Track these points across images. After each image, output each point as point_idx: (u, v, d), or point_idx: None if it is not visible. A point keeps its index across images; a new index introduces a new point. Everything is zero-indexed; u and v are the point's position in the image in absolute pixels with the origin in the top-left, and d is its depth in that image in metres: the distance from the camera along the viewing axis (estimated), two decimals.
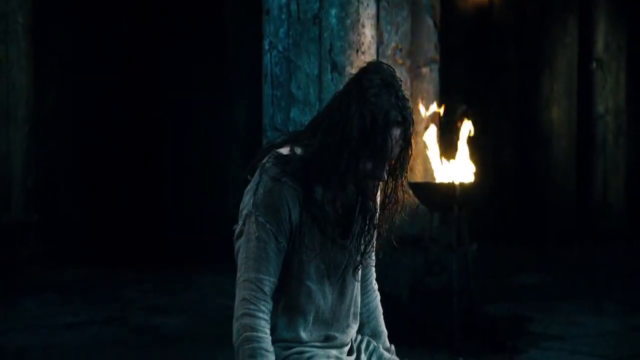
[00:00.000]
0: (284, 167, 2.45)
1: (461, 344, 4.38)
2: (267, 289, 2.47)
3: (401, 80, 2.44)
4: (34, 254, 7.12)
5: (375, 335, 2.82)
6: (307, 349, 2.63)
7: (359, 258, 2.59)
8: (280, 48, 5.11)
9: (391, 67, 2.47)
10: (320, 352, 2.66)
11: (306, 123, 5.10)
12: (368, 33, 4.96)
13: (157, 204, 7.99)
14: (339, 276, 2.57)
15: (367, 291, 2.78)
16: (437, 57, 5.24)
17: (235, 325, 2.47)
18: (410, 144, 2.42)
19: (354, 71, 4.85)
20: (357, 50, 4.92)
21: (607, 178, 11.15)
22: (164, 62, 8.16)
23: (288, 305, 2.58)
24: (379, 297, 2.81)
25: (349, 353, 2.75)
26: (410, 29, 5.18)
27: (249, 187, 2.54)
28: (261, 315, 2.45)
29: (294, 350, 2.62)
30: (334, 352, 2.68)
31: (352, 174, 2.42)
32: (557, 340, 4.79)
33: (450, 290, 4.59)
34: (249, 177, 2.68)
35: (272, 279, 2.48)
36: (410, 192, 2.55)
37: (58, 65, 7.52)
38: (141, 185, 7.90)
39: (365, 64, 2.49)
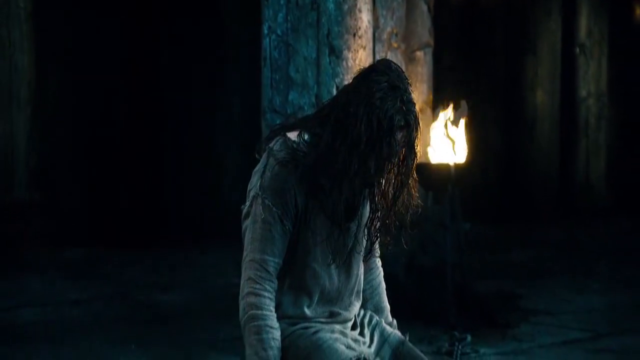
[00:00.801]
0: (292, 152, 2.44)
1: (455, 320, 4.38)
2: (271, 269, 2.47)
3: (409, 83, 2.40)
4: (36, 232, 7.09)
5: (378, 310, 2.82)
6: (312, 324, 2.63)
7: (364, 242, 2.58)
8: (279, 32, 5.08)
9: (399, 67, 2.43)
10: (325, 327, 2.66)
11: (304, 105, 5.11)
12: (364, 18, 4.93)
13: (155, 185, 7.96)
14: (345, 258, 2.57)
15: (370, 268, 2.78)
16: (431, 41, 5.23)
17: (241, 303, 2.47)
18: (413, 147, 2.40)
19: (351, 55, 4.91)
20: (354, 35, 4.89)
21: (589, 159, 11.19)
22: (164, 46, 8.11)
23: (294, 284, 2.57)
24: (382, 274, 2.81)
25: (353, 328, 2.75)
26: (405, 14, 5.16)
27: (257, 168, 2.53)
28: (266, 294, 2.46)
29: (299, 325, 2.62)
30: (337, 327, 2.69)
31: (361, 176, 2.40)
32: (546, 315, 4.81)
33: (444, 267, 4.59)
34: (257, 156, 2.66)
35: (276, 260, 2.48)
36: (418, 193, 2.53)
37: (59, 48, 7.46)
38: (140, 164, 7.86)
39: (375, 62, 2.49)
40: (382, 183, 2.47)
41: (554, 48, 11.24)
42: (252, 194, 2.52)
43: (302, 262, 2.55)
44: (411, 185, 2.48)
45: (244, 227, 2.53)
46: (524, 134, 10.89)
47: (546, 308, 4.96)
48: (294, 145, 2.44)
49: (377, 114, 2.33)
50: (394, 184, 2.46)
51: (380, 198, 2.48)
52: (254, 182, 2.52)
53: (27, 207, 7.10)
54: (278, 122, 5.10)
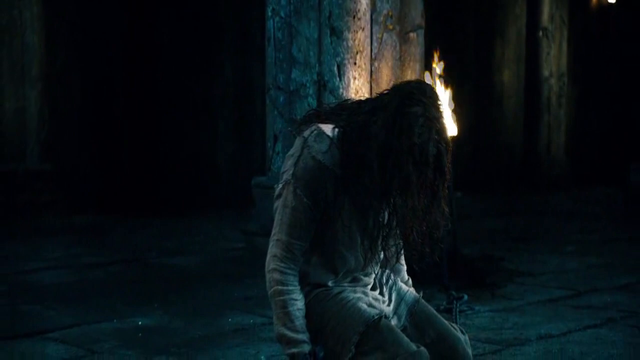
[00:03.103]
0: (326, 148, 2.36)
1: (448, 281, 4.38)
2: (296, 251, 2.44)
3: (440, 104, 2.28)
4: (48, 200, 7.01)
5: (395, 271, 2.81)
6: (336, 287, 2.62)
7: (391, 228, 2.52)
8: (282, 14, 5.01)
9: (432, 88, 2.33)
10: (348, 288, 2.64)
11: (306, 83, 5.04)
12: (363, 1, 4.86)
13: (157, 156, 7.89)
14: (371, 241, 2.54)
15: None
16: (423, 23, 5.18)
17: (267, 276, 2.45)
18: (443, 172, 2.28)
19: (350, 35, 4.84)
20: (354, 17, 4.83)
21: (551, 133, 11.26)
22: (162, 27, 8.01)
23: (321, 262, 2.54)
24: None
25: (372, 288, 2.73)
26: None
27: (291, 152, 2.45)
28: (290, 272, 2.44)
29: (323, 288, 2.61)
30: (359, 288, 2.67)
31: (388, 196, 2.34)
32: (528, 276, 4.82)
33: None
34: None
35: (302, 244, 2.44)
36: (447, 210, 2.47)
37: (67, 28, 7.35)
38: (144, 138, 7.80)
39: (410, 84, 2.33)
40: (410, 198, 2.35)
41: (519, 32, 11.26)
42: (285, 178, 2.46)
43: (330, 246, 2.52)
44: (440, 205, 2.37)
45: (275, 205, 2.48)
46: (493, 110, 10.94)
47: (527, 269, 4.98)
48: (328, 142, 2.37)
49: (414, 151, 2.23)
50: (422, 203, 2.35)
51: (408, 212, 2.36)
52: (288, 166, 2.45)
53: (38, 177, 7.02)
54: (281, 98, 5.05)
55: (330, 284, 2.58)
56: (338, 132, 2.38)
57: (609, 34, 11.82)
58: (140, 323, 3.61)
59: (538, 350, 3.16)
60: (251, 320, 3.65)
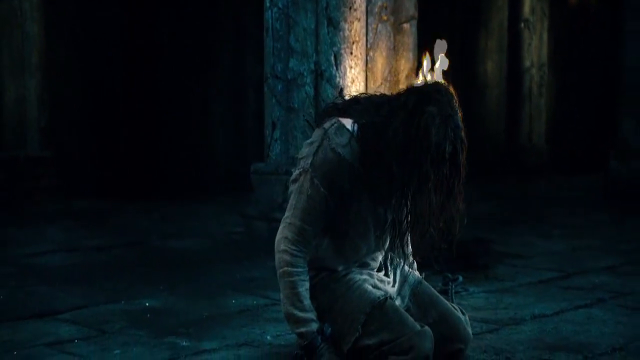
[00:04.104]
0: (346, 142, 2.37)
1: (442, 263, 4.40)
2: (307, 235, 2.47)
3: (456, 102, 2.33)
4: (48, 185, 6.98)
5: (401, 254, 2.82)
6: (344, 270, 2.63)
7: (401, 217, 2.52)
8: (280, 5, 5.00)
9: (448, 89, 2.36)
10: (355, 270, 2.66)
11: (304, 72, 5.02)
12: None
13: (156, 142, 7.87)
14: (384, 231, 2.55)
15: None
16: (416, 14, 5.18)
17: (277, 256, 2.48)
18: (459, 169, 2.34)
19: (347, 26, 4.83)
20: (350, 8, 4.83)
21: (532, 122, 11.31)
22: (163, 15, 7.97)
23: (333, 248, 2.56)
24: None
25: (378, 270, 2.75)
26: None
27: (310, 140, 2.47)
28: (300, 254, 2.47)
29: (330, 271, 2.62)
30: (365, 271, 2.69)
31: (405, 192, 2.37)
32: (518, 258, 4.85)
33: None
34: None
35: (313, 229, 2.47)
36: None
37: (66, 18, 7.31)
38: (142, 125, 7.77)
39: (428, 86, 2.37)
40: (427, 194, 2.37)
41: (502, 23, 11.28)
42: (302, 164, 2.46)
43: (344, 234, 2.53)
44: (456, 201, 2.41)
45: (290, 189, 2.50)
46: (476, 99, 10.96)
47: (517, 252, 5.01)
48: (347, 137, 2.38)
49: (431, 149, 2.28)
50: (438, 199, 2.38)
51: (425, 208, 2.38)
52: (305, 153, 2.46)
53: (38, 164, 6.98)
54: (279, 87, 5.04)
55: (340, 269, 2.59)
56: (358, 127, 2.39)
57: (588, 26, 11.87)
58: (147, 304, 3.61)
59: (533, 329, 3.19)
60: (254, 302, 3.65)
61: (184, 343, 2.97)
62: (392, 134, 2.34)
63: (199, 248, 5.13)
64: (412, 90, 2.42)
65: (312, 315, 2.50)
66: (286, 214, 2.49)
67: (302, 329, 2.49)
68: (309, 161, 2.40)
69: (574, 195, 8.36)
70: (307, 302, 2.50)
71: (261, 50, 5.19)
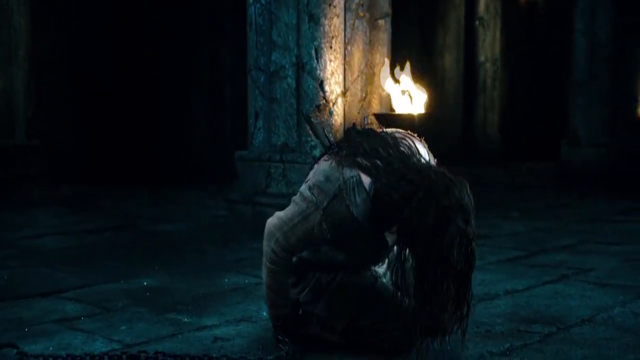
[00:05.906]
0: (361, 201, 2.24)
1: None
2: (295, 252, 2.43)
3: (469, 197, 2.22)
4: (36, 173, 6.88)
5: None
6: None
7: None
8: (263, 2, 4.99)
9: (459, 181, 2.25)
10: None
11: (285, 65, 5.01)
12: None
13: (139, 131, 7.79)
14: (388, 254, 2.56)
15: None
16: (390, 10, 5.21)
17: (265, 247, 2.43)
18: (470, 259, 2.18)
19: (327, 22, 4.84)
20: (330, 5, 4.84)
21: (486, 113, 11.42)
22: (150, 10, 7.87)
23: (344, 261, 2.48)
24: None
25: None
26: None
27: (323, 168, 2.32)
28: (281, 261, 2.41)
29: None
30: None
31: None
32: (485, 238, 4.90)
33: None
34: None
35: (303, 249, 2.43)
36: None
37: (52, 10, 7.19)
38: (126, 114, 7.68)
39: (442, 176, 2.21)
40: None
41: (458, 21, 11.37)
42: (312, 187, 2.31)
43: (355, 256, 2.49)
44: (467, 291, 2.21)
45: (295, 199, 2.39)
46: (435, 92, 11.02)
47: (482, 232, 5.04)
48: (365, 195, 2.23)
49: (449, 266, 2.14)
50: (450, 291, 2.18)
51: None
52: (315, 181, 2.31)
53: (27, 152, 6.87)
54: (262, 79, 5.03)
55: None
56: (374, 190, 2.24)
57: (536, 23, 12.03)
58: (145, 283, 3.60)
59: (507, 304, 3.25)
60: (246, 280, 3.66)
61: (186, 319, 2.97)
62: (406, 224, 2.16)
63: (186, 230, 5.11)
64: (426, 174, 2.21)
65: (287, 301, 2.52)
66: (284, 217, 2.38)
67: (280, 312, 2.53)
68: (324, 204, 2.26)
69: (528, 182, 8.49)
70: (285, 289, 2.51)
71: (237, 45, 5.17)
